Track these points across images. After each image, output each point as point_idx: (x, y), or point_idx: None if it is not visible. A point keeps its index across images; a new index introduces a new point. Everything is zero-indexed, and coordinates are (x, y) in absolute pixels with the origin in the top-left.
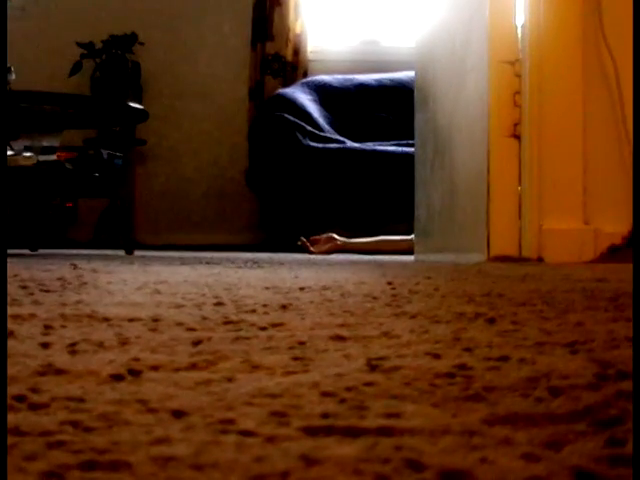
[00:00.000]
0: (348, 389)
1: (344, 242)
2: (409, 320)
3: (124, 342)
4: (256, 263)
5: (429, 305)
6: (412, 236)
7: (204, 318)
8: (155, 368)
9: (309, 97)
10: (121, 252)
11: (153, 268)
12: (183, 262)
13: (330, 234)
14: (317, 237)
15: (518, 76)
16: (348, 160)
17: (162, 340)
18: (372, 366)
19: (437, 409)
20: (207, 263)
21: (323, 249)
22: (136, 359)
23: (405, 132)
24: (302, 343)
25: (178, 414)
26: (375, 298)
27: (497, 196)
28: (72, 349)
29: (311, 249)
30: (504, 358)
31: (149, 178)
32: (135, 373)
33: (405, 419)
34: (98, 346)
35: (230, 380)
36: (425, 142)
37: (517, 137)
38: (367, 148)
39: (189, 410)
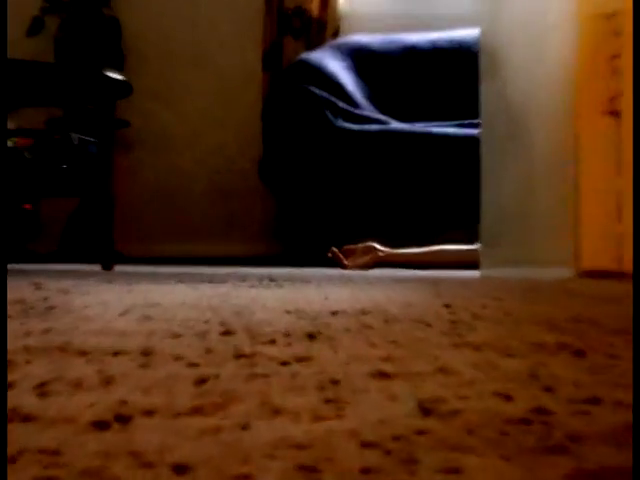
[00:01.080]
0: (394, 438)
1: (388, 253)
2: (472, 352)
3: (108, 381)
4: (274, 280)
5: (499, 334)
6: (477, 245)
7: (209, 351)
8: (149, 413)
9: (342, 64)
10: (97, 267)
11: (141, 287)
12: (179, 280)
13: (369, 243)
14: (352, 247)
15: (617, 34)
16: (393, 146)
17: (156, 378)
18: (425, 410)
19: (508, 463)
20: (210, 281)
21: (360, 262)
22: (124, 402)
23: (467, 109)
24: (335, 382)
25: (180, 469)
26: (428, 325)
27: (589, 192)
28: (42, 390)
29: (345, 262)
30: (594, 400)
31: (134, 171)
32: (124, 419)
33: (467, 475)
34: (75, 386)
35: (244, 427)
36: (494, 122)
37: (615, 114)
38: (418, 130)
39: (194, 464)
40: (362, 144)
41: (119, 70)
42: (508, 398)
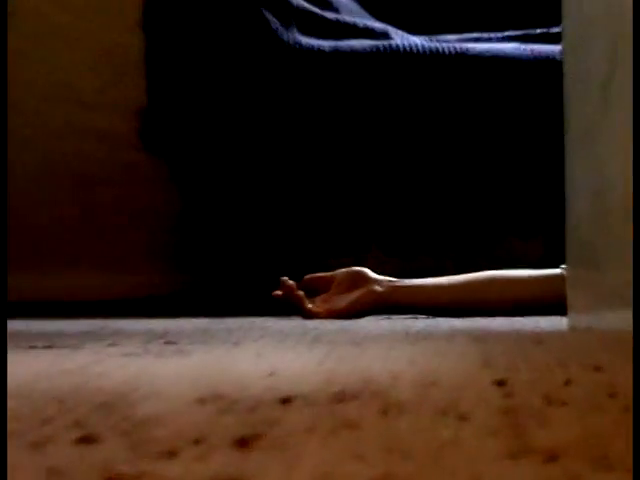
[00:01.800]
0: None
1: (390, 287)
2: (541, 466)
3: None
4: (173, 343)
5: (591, 430)
6: (561, 269)
7: (53, 472)
8: None
9: None
10: None
11: None
12: None
13: (355, 268)
14: (324, 276)
15: None
16: (397, 79)
17: None
18: None
19: None
20: (53, 345)
21: (341, 306)
22: None
23: (535, 9)
24: None
25: None
26: (463, 418)
27: None
28: None
29: (308, 307)
30: None
31: None
32: None
33: None
34: None
35: None
36: (586, 34)
37: None
38: (444, 49)
39: None
40: (339, 76)
41: None
42: None
